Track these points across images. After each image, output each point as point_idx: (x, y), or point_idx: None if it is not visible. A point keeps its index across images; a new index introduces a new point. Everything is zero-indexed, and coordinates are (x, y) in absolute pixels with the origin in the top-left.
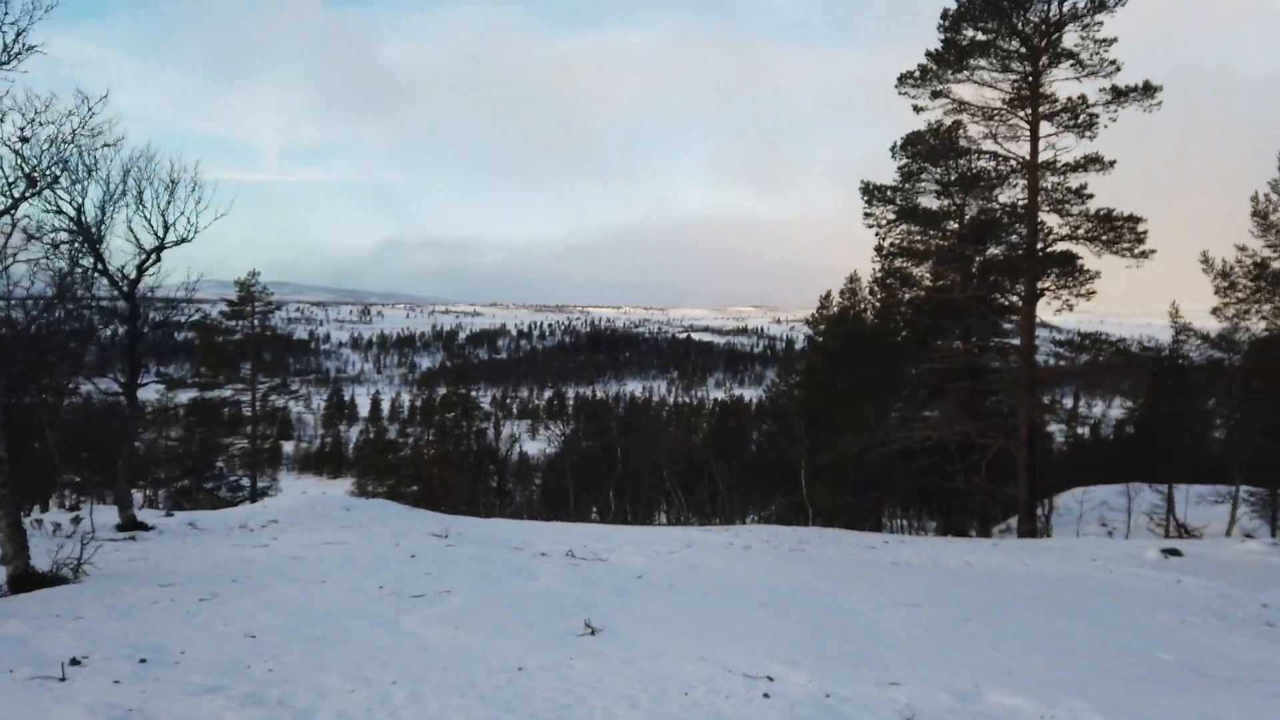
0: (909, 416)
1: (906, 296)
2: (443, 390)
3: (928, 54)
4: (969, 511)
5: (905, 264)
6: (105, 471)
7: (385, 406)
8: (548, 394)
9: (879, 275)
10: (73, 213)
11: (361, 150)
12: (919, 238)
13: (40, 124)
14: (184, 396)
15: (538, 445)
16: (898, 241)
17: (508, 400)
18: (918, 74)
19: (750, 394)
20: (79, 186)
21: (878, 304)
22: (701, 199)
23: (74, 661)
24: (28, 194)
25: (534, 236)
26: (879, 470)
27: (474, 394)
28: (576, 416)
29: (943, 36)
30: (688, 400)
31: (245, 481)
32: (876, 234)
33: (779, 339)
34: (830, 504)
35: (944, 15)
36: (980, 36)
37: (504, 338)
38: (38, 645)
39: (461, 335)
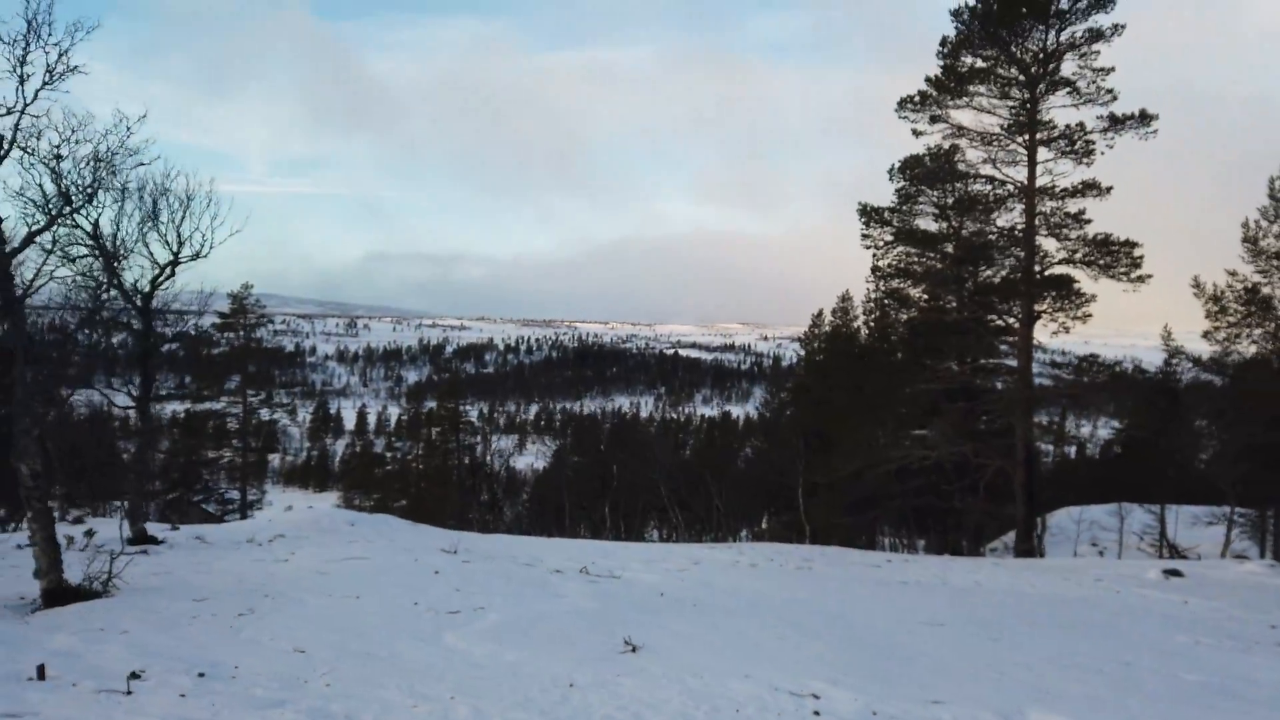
0: (903, 436)
1: (903, 316)
2: (431, 404)
3: (927, 79)
4: (964, 530)
5: (902, 284)
6: (93, 482)
7: (371, 420)
8: (534, 409)
9: (875, 295)
10: (89, 227)
11: (349, 162)
12: (917, 259)
13: (76, 142)
14: (169, 409)
15: (525, 460)
16: (895, 262)
17: (495, 415)
18: (917, 99)
19: (738, 410)
20: (109, 204)
21: (872, 323)
22: (689, 215)
23: (134, 675)
24: (65, 211)
25: (521, 251)
26: (877, 489)
27: (463, 408)
28: (564, 431)
29: (942, 63)
30: (675, 416)
31: (234, 495)
32: (874, 255)
33: (766, 356)
34: (825, 522)
35: (943, 42)
36: (980, 64)
37: (491, 352)
38: (91, 659)
39: (448, 349)
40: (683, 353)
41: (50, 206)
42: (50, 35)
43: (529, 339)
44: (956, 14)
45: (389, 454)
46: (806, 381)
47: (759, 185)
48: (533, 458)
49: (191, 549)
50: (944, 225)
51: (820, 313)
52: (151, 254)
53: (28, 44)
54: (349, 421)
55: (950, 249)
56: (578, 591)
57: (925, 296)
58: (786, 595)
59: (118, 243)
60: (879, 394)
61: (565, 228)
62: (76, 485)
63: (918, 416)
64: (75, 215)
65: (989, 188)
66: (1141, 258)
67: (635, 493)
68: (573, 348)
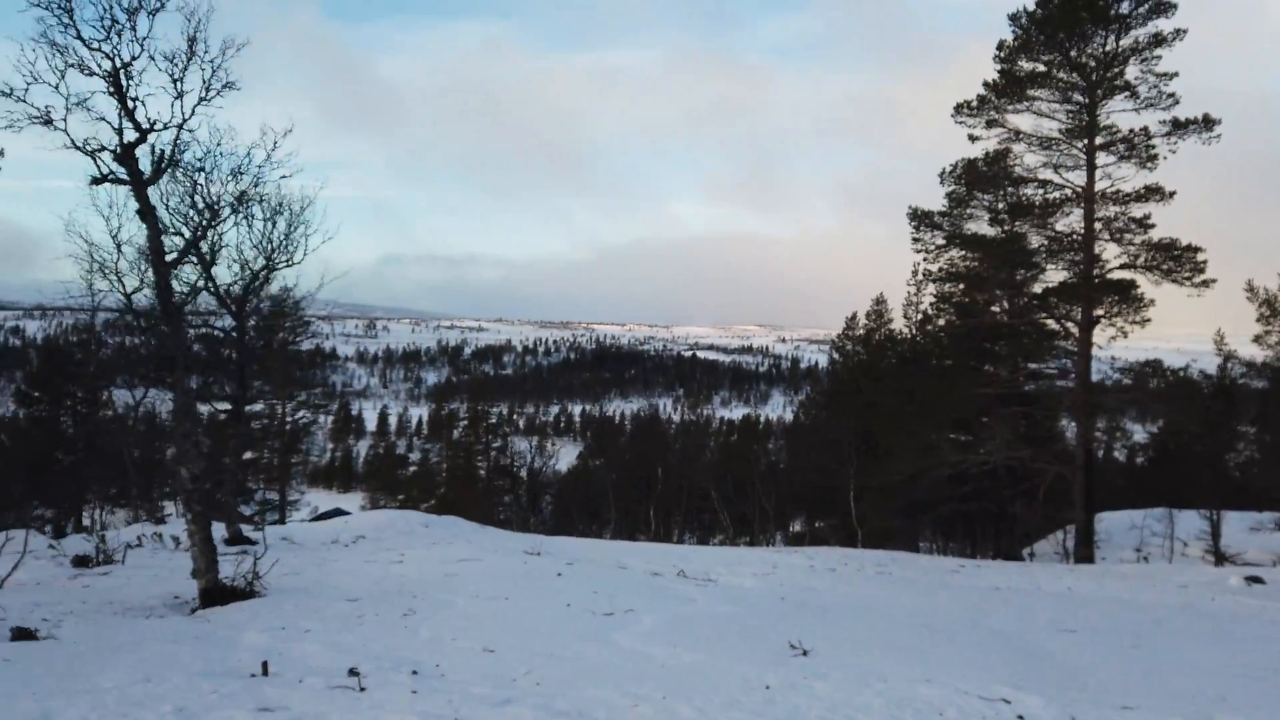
0: (955, 440)
1: (955, 320)
2: (456, 405)
3: (985, 84)
4: (1014, 535)
5: (953, 288)
6: (139, 482)
7: (393, 421)
8: (554, 410)
9: (916, 298)
10: (189, 234)
11: (361, 164)
12: (970, 263)
13: (220, 155)
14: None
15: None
16: (946, 266)
17: (514, 416)
18: (975, 103)
19: (756, 412)
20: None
21: (916, 327)
22: (700, 217)
23: (352, 672)
24: (213, 223)
25: (534, 253)
26: (929, 493)
27: (487, 410)
28: (584, 433)
29: (999, 67)
30: (694, 418)
31: (273, 496)
32: (925, 258)
33: (784, 358)
34: (875, 526)
35: (1000, 46)
36: (1039, 68)
37: (509, 354)
38: (297, 656)
39: (467, 350)
40: (700, 354)
41: (201, 218)
42: (206, 52)
43: (546, 340)
44: (1014, 18)
45: (412, 454)
46: (853, 384)
47: (769, 186)
48: (553, 459)
49: (289, 550)
50: (999, 229)
51: (854, 315)
52: (245, 260)
53: (187, 62)
54: (370, 422)
55: (1005, 253)
56: (700, 595)
57: (977, 300)
58: (895, 600)
59: (216, 249)
60: (929, 398)
61: (578, 230)
62: (122, 487)
63: (969, 421)
64: (173, 219)
65: (1043, 191)
66: (1205, 262)
67: (678, 495)
68: (590, 349)
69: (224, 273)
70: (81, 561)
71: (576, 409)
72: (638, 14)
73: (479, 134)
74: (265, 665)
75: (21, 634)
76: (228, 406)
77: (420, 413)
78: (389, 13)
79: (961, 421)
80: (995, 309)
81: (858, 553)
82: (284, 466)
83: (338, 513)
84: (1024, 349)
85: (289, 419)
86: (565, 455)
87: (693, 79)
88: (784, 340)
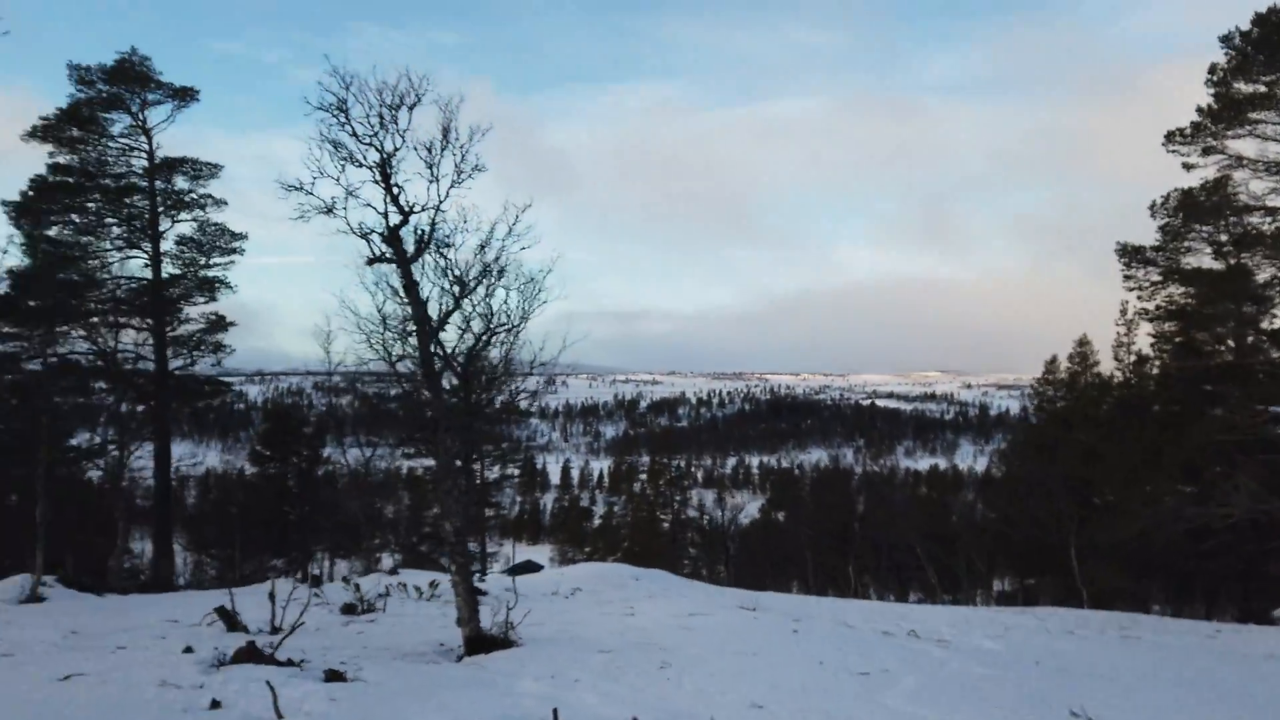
0: (1187, 493)
1: (1173, 361)
2: (635, 458)
3: (1199, 109)
4: (1267, 597)
5: (1173, 327)
6: (368, 534)
7: (575, 474)
8: (731, 461)
9: (1125, 339)
10: (424, 306)
11: (534, 227)
12: (1190, 300)
13: (466, 231)
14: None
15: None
16: (1163, 304)
17: (692, 468)
18: (1188, 130)
19: (946, 462)
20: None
21: (1130, 369)
22: (871, 261)
23: None
24: (462, 296)
25: (703, 305)
26: (1166, 550)
27: (668, 463)
28: (763, 485)
29: (1213, 91)
30: (878, 469)
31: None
32: (1139, 296)
33: (971, 405)
34: (1102, 585)
35: (1211, 70)
36: (1259, 89)
37: (683, 406)
38: (575, 704)
39: (642, 404)
40: (880, 403)
41: (453, 290)
42: (457, 139)
43: (720, 392)
44: (1226, 40)
45: (595, 507)
46: (1057, 432)
47: (945, 228)
48: (740, 512)
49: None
50: (1222, 262)
51: (1053, 359)
52: (469, 324)
53: (441, 149)
54: (554, 476)
55: (1232, 287)
56: (947, 656)
57: (1200, 339)
58: (1161, 666)
59: (469, 319)
60: (1156, 446)
61: (744, 281)
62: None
63: (1200, 471)
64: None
65: (1273, 220)
66: None
67: (874, 550)
68: (765, 400)
69: (451, 337)
70: (349, 609)
71: (754, 460)
72: (801, 64)
73: (647, 191)
74: (555, 712)
75: (333, 675)
76: (458, 463)
77: (600, 466)
78: (556, 83)
79: (1193, 472)
80: (1222, 347)
81: (1092, 614)
82: (481, 519)
83: (529, 564)
84: (1262, 390)
85: (485, 473)
86: (747, 508)
87: (859, 123)
88: (969, 386)
